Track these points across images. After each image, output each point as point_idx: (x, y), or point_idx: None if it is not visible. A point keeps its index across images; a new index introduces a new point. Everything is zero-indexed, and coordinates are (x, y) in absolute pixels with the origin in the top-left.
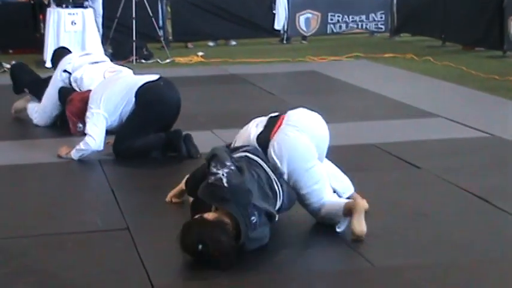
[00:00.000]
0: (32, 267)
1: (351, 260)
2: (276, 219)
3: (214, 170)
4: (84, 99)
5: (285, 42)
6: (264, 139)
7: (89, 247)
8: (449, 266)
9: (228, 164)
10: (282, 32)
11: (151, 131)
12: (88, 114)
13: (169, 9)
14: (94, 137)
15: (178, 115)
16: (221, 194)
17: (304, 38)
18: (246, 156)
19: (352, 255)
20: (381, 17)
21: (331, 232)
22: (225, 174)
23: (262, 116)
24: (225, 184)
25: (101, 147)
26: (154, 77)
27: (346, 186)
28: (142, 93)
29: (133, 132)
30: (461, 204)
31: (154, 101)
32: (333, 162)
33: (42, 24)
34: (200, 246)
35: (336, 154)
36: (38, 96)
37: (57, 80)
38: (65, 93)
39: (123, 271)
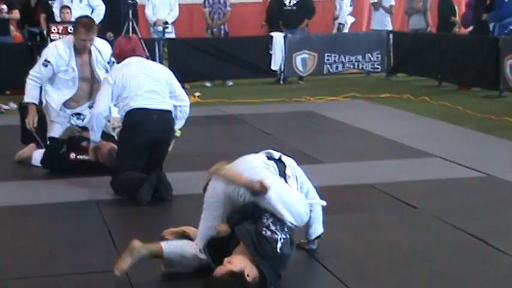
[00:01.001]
0: None
1: None
2: None
3: (273, 227)
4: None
5: (281, 82)
6: None
7: None
8: None
9: (286, 230)
10: (278, 72)
11: (135, 160)
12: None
13: (165, 50)
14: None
15: (163, 154)
16: (268, 253)
17: (300, 78)
18: None
19: None
20: (377, 57)
21: (326, 271)
22: (282, 240)
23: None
24: (278, 250)
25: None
26: (156, 105)
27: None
28: (130, 116)
29: (119, 159)
30: (458, 245)
31: (134, 131)
32: (329, 203)
33: None
34: None
35: (332, 194)
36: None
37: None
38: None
39: None
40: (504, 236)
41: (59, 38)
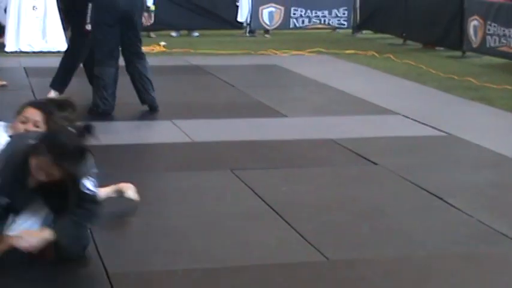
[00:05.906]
0: None
1: (304, 253)
2: None
3: None
4: None
5: (247, 34)
6: None
7: None
8: (401, 260)
9: None
10: (245, 24)
11: (110, 36)
12: None
13: None
14: None
15: (134, 32)
16: None
17: (266, 31)
18: None
19: (306, 247)
20: (344, 13)
21: (286, 224)
22: None
23: None
24: None
25: None
26: None
27: None
28: None
29: (96, 37)
30: (416, 202)
31: (104, 9)
32: (290, 157)
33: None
34: None
35: (294, 148)
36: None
37: None
38: None
39: None
40: (461, 194)
41: None
